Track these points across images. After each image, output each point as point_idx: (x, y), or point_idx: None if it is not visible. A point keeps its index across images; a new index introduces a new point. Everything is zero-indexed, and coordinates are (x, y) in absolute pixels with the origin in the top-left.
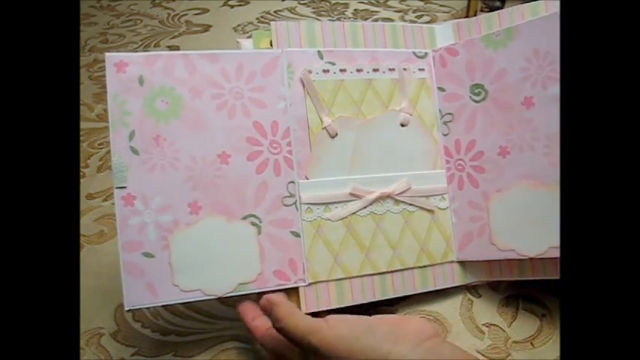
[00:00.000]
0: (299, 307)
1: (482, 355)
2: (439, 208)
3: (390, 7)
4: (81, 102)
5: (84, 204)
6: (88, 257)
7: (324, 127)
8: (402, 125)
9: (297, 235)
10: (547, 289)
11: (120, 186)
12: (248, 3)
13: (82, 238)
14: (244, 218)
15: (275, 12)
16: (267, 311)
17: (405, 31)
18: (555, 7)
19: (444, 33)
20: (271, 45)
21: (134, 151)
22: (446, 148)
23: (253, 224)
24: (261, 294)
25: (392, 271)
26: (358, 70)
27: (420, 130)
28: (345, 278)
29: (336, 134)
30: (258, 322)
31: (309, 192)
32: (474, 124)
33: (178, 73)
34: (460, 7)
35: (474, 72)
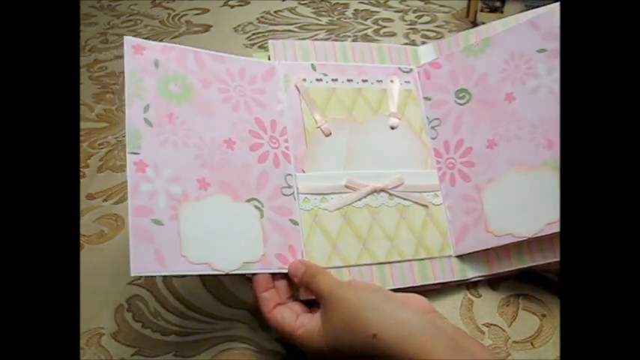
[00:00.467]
0: (297, 293)
1: None
2: (433, 204)
3: (390, 7)
4: (81, 102)
5: (84, 204)
6: (88, 257)
7: (319, 127)
8: (392, 128)
9: (295, 223)
10: (547, 289)
11: (133, 151)
12: (248, 3)
13: (82, 238)
14: (248, 201)
15: (275, 12)
16: (298, 271)
17: (390, 51)
18: (527, 17)
19: (426, 52)
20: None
21: (148, 122)
22: (436, 150)
23: (256, 207)
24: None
25: (390, 262)
26: (349, 81)
27: (409, 132)
28: (344, 266)
29: (330, 133)
30: (268, 294)
31: (305, 183)
32: (461, 125)
33: (190, 65)
34: (460, 7)
35: (458, 79)
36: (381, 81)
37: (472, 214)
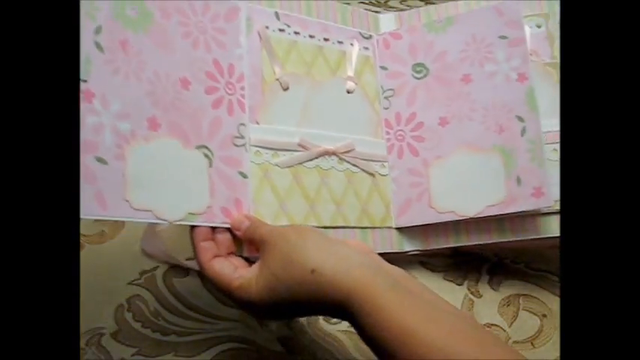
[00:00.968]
0: (240, 249)
1: None
2: (379, 174)
3: (390, 7)
4: None
5: None
6: (88, 257)
7: (277, 79)
8: (348, 92)
9: (244, 176)
10: (547, 289)
11: (82, 78)
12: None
13: (82, 238)
14: (198, 148)
15: None
16: (242, 224)
17: (352, 14)
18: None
19: (387, 21)
20: None
21: (99, 47)
22: (386, 121)
23: (205, 156)
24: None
25: (334, 227)
26: (311, 36)
27: (364, 99)
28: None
29: (288, 88)
30: (207, 244)
31: (258, 135)
32: (415, 99)
33: None
34: None
35: (417, 53)
36: (342, 42)
37: (417, 189)
